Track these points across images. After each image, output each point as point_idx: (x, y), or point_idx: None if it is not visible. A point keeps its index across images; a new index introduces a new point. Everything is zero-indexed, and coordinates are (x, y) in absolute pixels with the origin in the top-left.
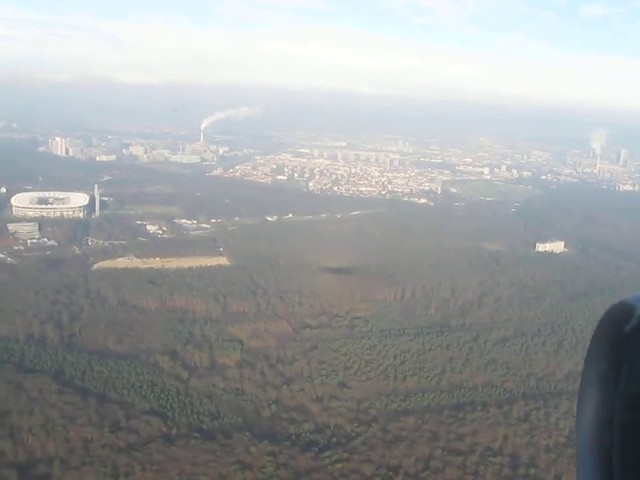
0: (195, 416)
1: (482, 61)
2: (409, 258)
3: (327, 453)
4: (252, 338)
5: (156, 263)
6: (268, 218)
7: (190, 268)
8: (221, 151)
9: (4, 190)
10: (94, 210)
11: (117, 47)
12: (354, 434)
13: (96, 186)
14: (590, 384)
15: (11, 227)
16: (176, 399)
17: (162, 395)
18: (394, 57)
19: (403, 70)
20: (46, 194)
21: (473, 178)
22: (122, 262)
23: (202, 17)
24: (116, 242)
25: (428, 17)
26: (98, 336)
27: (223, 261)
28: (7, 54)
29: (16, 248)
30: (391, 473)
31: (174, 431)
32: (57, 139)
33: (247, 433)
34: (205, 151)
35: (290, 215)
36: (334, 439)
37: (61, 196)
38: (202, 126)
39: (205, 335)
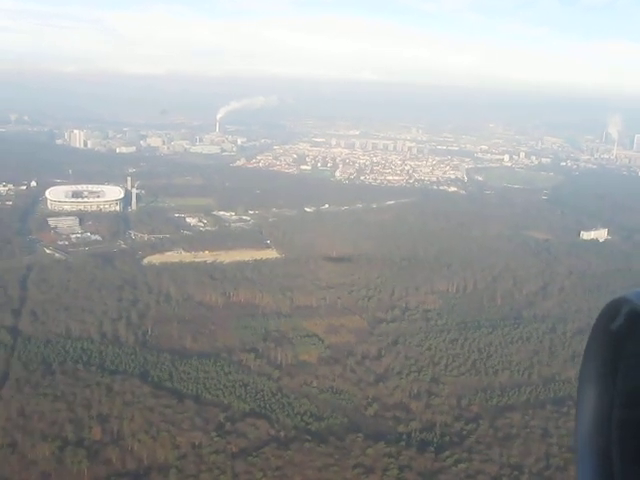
0: (299, 417)
1: (485, 47)
2: (460, 247)
3: (446, 453)
4: (329, 333)
5: (206, 257)
6: (306, 209)
7: (243, 262)
8: (239, 141)
9: (34, 184)
10: (129, 203)
11: (120, 38)
12: (464, 432)
13: (129, 179)
14: (588, 382)
15: (51, 222)
16: (273, 399)
17: (258, 395)
18: (395, 45)
19: (405, 57)
20: (80, 187)
21: (494, 165)
22: (172, 256)
23: (204, 7)
24: (160, 235)
25: (430, 4)
26: (172, 334)
27: (273, 254)
28: (10, 46)
29: (61, 243)
30: (516, 472)
31: (282, 434)
32: (75, 131)
33: (359, 434)
34: (223, 142)
35: (327, 205)
36: (446, 438)
37: (95, 189)
38: (218, 116)
39: (281, 331)
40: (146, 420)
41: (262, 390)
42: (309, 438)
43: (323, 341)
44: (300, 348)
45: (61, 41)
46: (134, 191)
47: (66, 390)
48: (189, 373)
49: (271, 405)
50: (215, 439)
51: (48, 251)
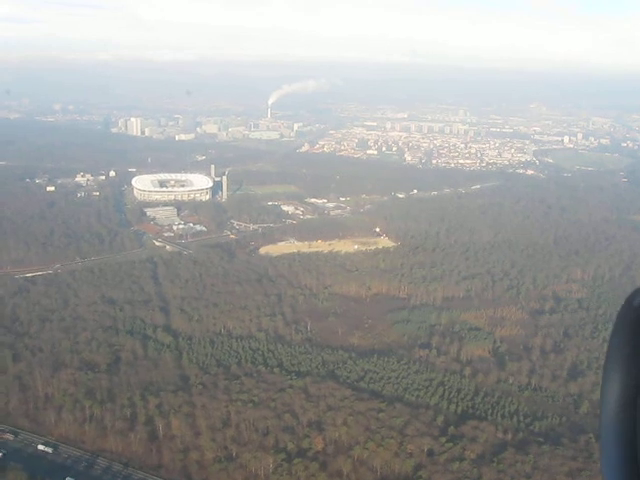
0: (516, 417)
1: (511, 29)
2: (575, 233)
3: None
4: (494, 326)
5: (321, 246)
6: (397, 195)
7: (363, 251)
8: (296, 127)
9: (113, 173)
10: (217, 192)
11: (149, 25)
12: None
13: (213, 166)
14: (613, 366)
15: (149, 212)
16: (477, 398)
17: (461, 395)
18: (423, 28)
19: (432, 40)
20: (165, 176)
21: (557, 147)
22: (286, 246)
23: None
24: (264, 225)
25: None
26: (333, 329)
27: (387, 242)
28: (41, 36)
29: (166, 235)
30: None
31: (509, 436)
32: (132, 119)
33: (588, 434)
34: (280, 127)
35: (415, 191)
36: None
37: (181, 178)
38: (269, 101)
39: (443, 324)
40: (363, 426)
41: (462, 389)
42: (541, 440)
43: (492, 334)
44: (473, 342)
45: (90, 29)
46: (225, 179)
47: (262, 395)
48: (377, 372)
49: (480, 405)
50: (446, 445)
51: (158, 243)
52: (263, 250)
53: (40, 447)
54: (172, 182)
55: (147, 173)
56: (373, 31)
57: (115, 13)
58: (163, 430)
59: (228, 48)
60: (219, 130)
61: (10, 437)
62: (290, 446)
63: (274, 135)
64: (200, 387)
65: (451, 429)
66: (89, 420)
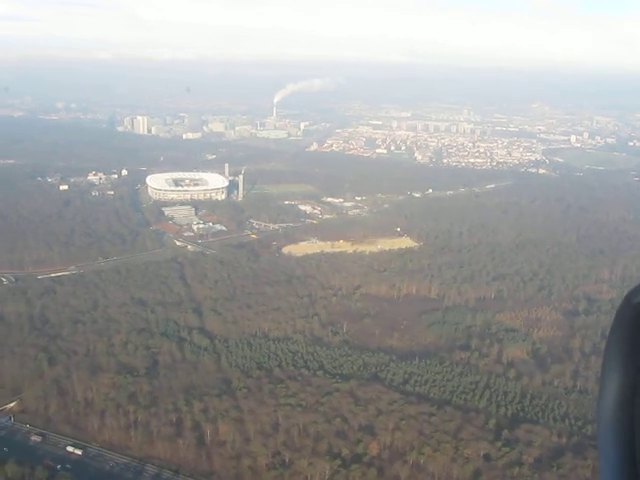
0: (567, 421)
1: (508, 29)
2: (596, 232)
3: None
4: (531, 327)
5: (344, 246)
6: (413, 194)
7: (387, 251)
8: (302, 126)
9: (125, 172)
10: (232, 191)
11: (148, 24)
12: None
13: (227, 165)
14: (612, 362)
15: (167, 211)
16: (526, 401)
17: (508, 398)
18: (420, 28)
19: (429, 40)
20: (179, 175)
21: (565, 147)
22: (309, 246)
23: None
24: (283, 224)
25: None
26: (369, 331)
27: (409, 242)
28: (39, 35)
29: (186, 235)
30: None
31: (564, 440)
32: (139, 118)
33: None
34: (286, 126)
35: (430, 190)
36: None
37: (195, 177)
38: (275, 100)
39: (479, 325)
40: (417, 430)
41: (508, 392)
42: (596, 444)
43: (529, 336)
44: (511, 344)
45: (89, 28)
46: (241, 178)
47: (309, 399)
48: (421, 375)
49: (529, 408)
50: (503, 449)
51: (179, 243)
52: (286, 250)
53: (69, 449)
54: (187, 181)
55: (159, 172)
56: (373, 31)
57: (114, 12)
58: (211, 435)
59: (228, 48)
60: (226, 129)
61: (38, 439)
62: (345, 452)
63: (282, 134)
64: (245, 391)
65: (505, 433)
66: (134, 425)
